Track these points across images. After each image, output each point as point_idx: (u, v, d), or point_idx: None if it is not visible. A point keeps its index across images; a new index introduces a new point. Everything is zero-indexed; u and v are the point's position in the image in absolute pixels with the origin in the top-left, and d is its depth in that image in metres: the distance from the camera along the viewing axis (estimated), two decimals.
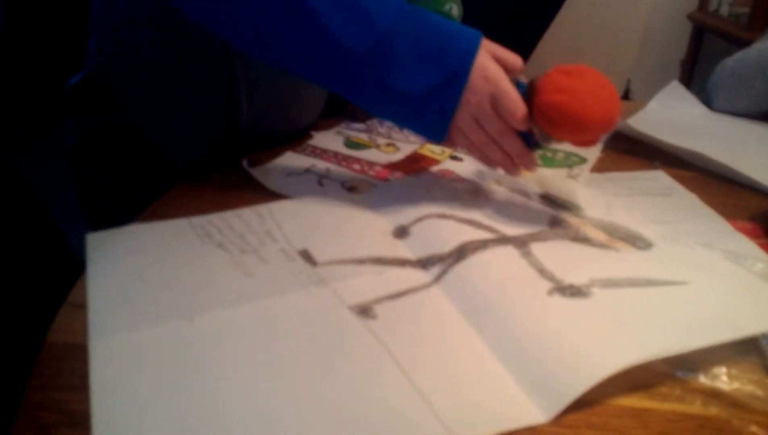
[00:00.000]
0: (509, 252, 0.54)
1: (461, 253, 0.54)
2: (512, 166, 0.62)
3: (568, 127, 0.56)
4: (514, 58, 0.60)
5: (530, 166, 0.62)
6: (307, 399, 0.39)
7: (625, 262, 0.54)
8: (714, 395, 0.42)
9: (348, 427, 0.38)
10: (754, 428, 0.40)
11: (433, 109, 0.58)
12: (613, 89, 0.57)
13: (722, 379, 0.43)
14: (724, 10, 2.27)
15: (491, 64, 0.58)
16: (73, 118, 0.78)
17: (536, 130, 0.59)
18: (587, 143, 0.59)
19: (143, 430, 0.36)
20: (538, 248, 0.55)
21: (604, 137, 0.88)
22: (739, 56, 1.05)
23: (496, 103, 0.58)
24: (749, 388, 0.43)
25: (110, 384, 0.39)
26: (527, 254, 0.54)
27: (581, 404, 0.39)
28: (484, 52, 0.58)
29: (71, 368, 0.41)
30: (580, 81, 0.56)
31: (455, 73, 0.57)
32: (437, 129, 0.60)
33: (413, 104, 0.58)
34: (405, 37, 0.56)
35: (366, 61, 0.56)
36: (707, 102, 1.08)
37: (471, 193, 0.66)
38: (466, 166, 0.78)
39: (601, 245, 0.57)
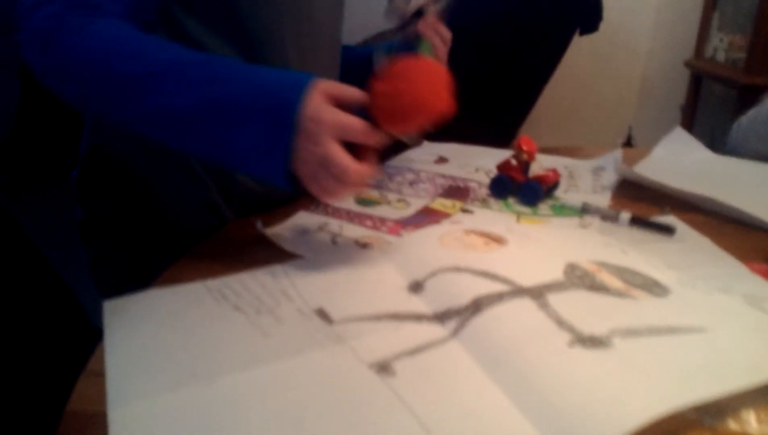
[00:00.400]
0: (526, 304, 0.54)
1: (477, 306, 0.54)
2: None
3: (410, 120, 0.60)
4: (351, 93, 0.60)
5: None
6: None
7: (643, 310, 0.54)
8: None
9: None
10: None
11: (266, 161, 0.58)
12: (429, 68, 0.61)
13: (752, 424, 0.42)
14: (721, 56, 2.31)
15: (324, 107, 0.57)
16: (81, 199, 0.80)
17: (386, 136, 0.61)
18: (440, 119, 0.61)
19: None
20: (554, 299, 0.55)
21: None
22: (752, 114, 1.06)
23: (342, 137, 0.58)
24: None
25: None
26: (544, 306, 0.54)
27: None
28: (315, 94, 0.57)
29: None
30: (398, 80, 0.60)
31: (282, 122, 0.57)
32: (278, 175, 0.59)
33: (251, 160, 0.59)
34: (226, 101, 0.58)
35: (200, 123, 0.59)
36: (732, 149, 1.09)
37: (484, 245, 0.66)
38: (477, 218, 0.79)
39: (618, 294, 0.56)
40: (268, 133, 0.57)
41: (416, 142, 0.61)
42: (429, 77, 0.61)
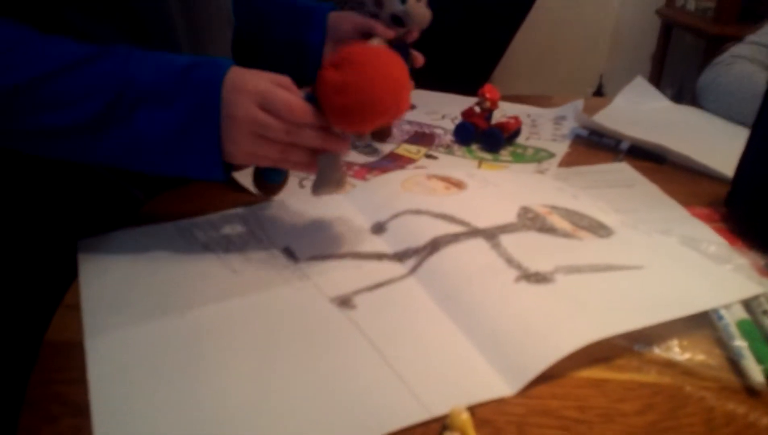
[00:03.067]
0: (479, 244, 0.58)
1: (435, 246, 0.58)
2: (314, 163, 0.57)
3: (366, 122, 0.54)
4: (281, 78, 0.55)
5: (343, 148, 0.57)
6: (292, 385, 0.43)
7: (587, 249, 0.58)
8: (668, 365, 0.46)
9: (332, 410, 0.41)
10: (704, 393, 0.44)
11: (196, 148, 0.53)
12: (388, 60, 0.54)
13: (675, 350, 0.47)
14: (691, 5, 2.33)
15: (242, 75, 0.53)
16: None
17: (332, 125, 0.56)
18: (397, 115, 0.56)
19: (140, 416, 0.39)
20: (506, 240, 0.59)
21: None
22: (711, 74, 1.09)
23: (266, 107, 0.53)
24: (700, 357, 0.47)
25: (107, 376, 0.42)
26: (496, 246, 0.58)
27: (546, 377, 0.43)
28: (236, 71, 0.53)
29: (70, 364, 0.43)
30: (353, 73, 0.52)
31: (202, 103, 0.52)
32: (210, 166, 0.54)
33: (170, 150, 0.53)
34: (139, 91, 0.52)
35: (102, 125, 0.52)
36: (697, 103, 1.11)
37: (444, 189, 0.70)
38: (441, 163, 0.82)
39: (565, 235, 0.60)
40: (191, 116, 0.52)
41: (364, 142, 0.57)
42: (386, 71, 0.53)
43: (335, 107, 0.52)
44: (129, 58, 0.53)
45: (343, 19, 0.81)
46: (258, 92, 0.52)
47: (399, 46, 0.76)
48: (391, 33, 0.76)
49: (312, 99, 0.54)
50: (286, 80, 0.55)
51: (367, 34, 0.78)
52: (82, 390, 0.41)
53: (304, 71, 0.82)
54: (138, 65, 0.52)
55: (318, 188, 0.59)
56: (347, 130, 0.56)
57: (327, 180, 0.58)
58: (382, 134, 0.86)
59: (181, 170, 0.55)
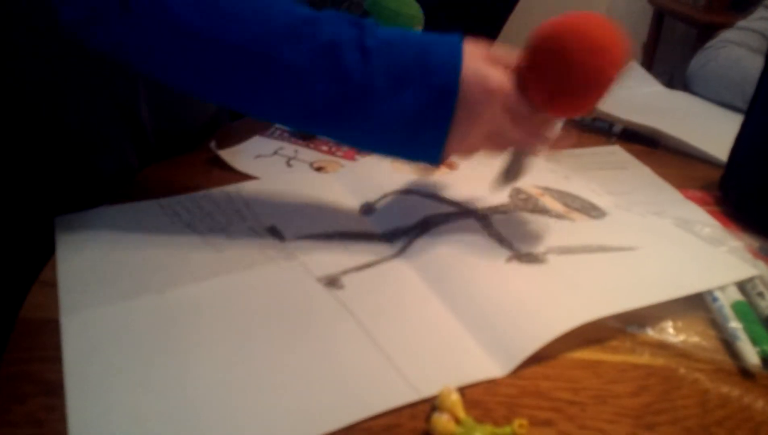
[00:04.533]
0: (470, 224, 0.57)
1: (425, 226, 0.56)
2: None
3: (592, 96, 0.49)
4: (508, 55, 0.51)
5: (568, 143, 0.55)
6: (277, 365, 0.41)
7: (579, 230, 0.57)
8: (662, 347, 0.45)
9: (319, 391, 0.39)
10: (698, 375, 0.43)
11: (425, 135, 0.50)
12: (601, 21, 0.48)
13: (669, 332, 0.46)
14: None
15: (489, 70, 0.49)
16: None
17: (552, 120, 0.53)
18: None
19: (115, 396, 0.38)
20: (498, 220, 0.57)
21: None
22: (711, 55, 1.08)
23: (509, 111, 0.50)
24: (695, 339, 0.46)
25: (83, 355, 0.41)
26: (488, 226, 0.56)
27: (537, 358, 0.42)
28: (474, 56, 0.49)
29: (45, 342, 0.42)
30: (574, 42, 0.47)
31: (442, 88, 0.48)
32: (431, 154, 0.51)
33: (400, 135, 0.50)
34: (378, 66, 0.48)
35: (343, 103, 0.49)
36: (689, 89, 1.11)
37: (435, 170, 0.68)
38: None
39: (558, 216, 0.59)
40: (426, 100, 0.48)
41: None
42: (606, 38, 0.48)
43: (553, 87, 0.48)
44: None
45: None
46: (504, 93, 0.49)
47: None
48: None
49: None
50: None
51: None
52: (56, 369, 0.39)
53: None
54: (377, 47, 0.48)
55: (506, 180, 0.56)
56: (562, 112, 0.53)
57: (517, 171, 0.56)
58: None
59: (403, 155, 0.53)
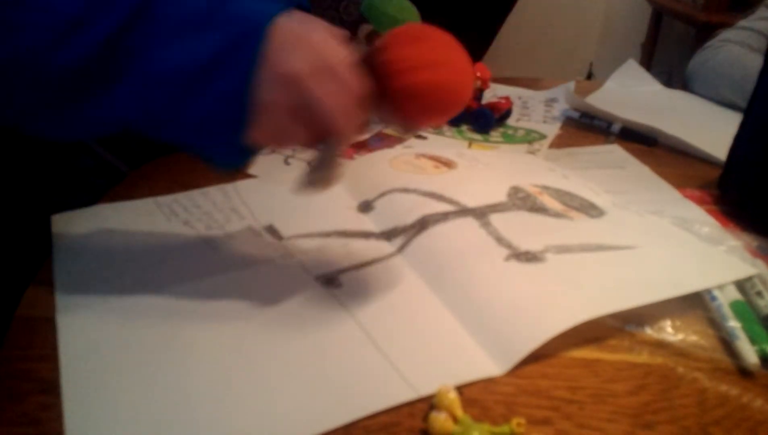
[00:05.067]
0: (469, 223, 0.56)
1: (423, 224, 0.56)
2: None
3: (447, 108, 0.45)
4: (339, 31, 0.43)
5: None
6: (275, 364, 0.41)
7: (578, 229, 0.57)
8: (660, 346, 0.45)
9: (316, 389, 0.39)
10: (697, 374, 0.43)
11: (215, 90, 0.40)
12: (459, 46, 0.45)
13: (668, 330, 0.46)
14: None
15: (298, 23, 0.41)
16: None
17: (389, 116, 0.46)
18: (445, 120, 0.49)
19: (111, 395, 0.38)
20: (496, 219, 0.57)
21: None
22: (711, 53, 1.08)
23: (325, 71, 0.40)
24: (693, 338, 0.46)
25: (79, 353, 0.40)
26: (486, 224, 0.56)
27: (536, 357, 0.42)
28: (300, 17, 0.42)
29: (41, 340, 0.41)
30: (435, 47, 0.45)
31: (244, 33, 0.39)
32: (229, 129, 0.41)
33: (181, 89, 0.40)
34: (163, 6, 0.39)
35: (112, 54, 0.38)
36: (688, 88, 1.11)
37: (434, 168, 0.68)
38: (430, 143, 0.80)
39: (556, 214, 0.59)
40: (224, 44, 0.39)
41: (412, 131, 0.46)
42: (456, 56, 0.45)
43: (415, 87, 0.43)
44: None
45: None
46: (322, 48, 0.41)
47: None
48: None
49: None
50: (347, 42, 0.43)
51: None
52: (52, 367, 0.39)
53: None
54: None
55: (312, 183, 0.46)
56: (417, 118, 0.46)
57: (326, 176, 0.46)
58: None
59: (186, 127, 0.42)
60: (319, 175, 0.45)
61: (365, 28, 0.72)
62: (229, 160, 0.45)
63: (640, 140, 0.83)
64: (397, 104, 0.44)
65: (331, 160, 0.45)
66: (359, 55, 0.43)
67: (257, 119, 0.41)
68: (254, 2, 0.41)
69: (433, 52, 0.44)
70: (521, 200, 0.61)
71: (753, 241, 0.57)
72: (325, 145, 0.44)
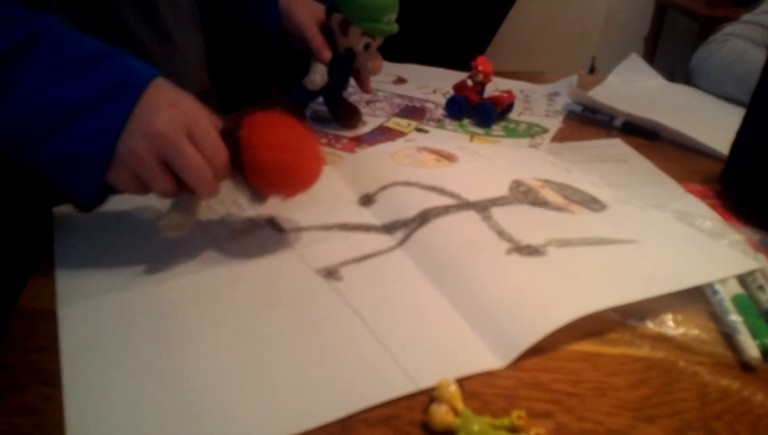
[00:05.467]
0: (470, 216, 0.56)
1: (424, 218, 0.56)
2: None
3: (288, 185, 0.51)
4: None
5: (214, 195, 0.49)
6: (275, 356, 0.41)
7: (580, 223, 0.56)
8: (662, 340, 0.45)
9: (317, 382, 0.39)
10: (698, 368, 0.42)
11: (87, 127, 0.44)
12: (314, 140, 0.52)
13: (669, 324, 0.46)
14: None
15: (173, 89, 0.47)
16: None
17: (241, 184, 0.51)
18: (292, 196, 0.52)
19: (112, 386, 0.38)
20: (498, 212, 0.57)
21: None
22: (715, 48, 1.07)
23: (193, 137, 0.46)
24: (694, 332, 0.45)
25: (80, 345, 0.41)
26: (487, 218, 0.56)
27: (537, 350, 0.42)
28: (165, 82, 0.48)
29: (42, 332, 0.42)
30: (289, 134, 0.50)
31: (126, 82, 0.45)
32: (91, 165, 0.45)
33: (51, 122, 0.43)
34: (52, 46, 0.44)
35: None
36: (691, 82, 1.10)
37: (435, 162, 0.68)
38: (432, 137, 0.80)
39: (558, 208, 0.59)
40: (104, 87, 0.44)
41: (261, 202, 0.52)
42: (310, 144, 0.51)
43: (268, 162, 0.48)
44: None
45: (297, 7, 0.77)
46: (192, 115, 0.46)
47: (342, 66, 0.77)
48: (328, 55, 0.73)
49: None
50: (211, 116, 0.49)
51: (323, 23, 0.75)
52: (54, 359, 0.39)
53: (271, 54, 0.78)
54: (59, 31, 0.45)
55: (168, 229, 0.48)
56: (265, 189, 0.51)
57: (186, 223, 0.49)
58: (353, 119, 0.82)
59: (54, 159, 0.45)
60: (175, 221, 0.48)
61: (337, 17, 0.71)
62: (86, 196, 0.47)
63: (643, 134, 0.83)
64: (246, 174, 0.49)
65: (187, 209, 0.49)
66: (222, 127, 0.49)
67: (118, 164, 0.45)
68: (137, 61, 0.47)
69: (281, 137, 0.50)
70: (523, 194, 0.61)
71: (755, 235, 0.57)
72: (183, 196, 0.49)
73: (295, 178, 0.50)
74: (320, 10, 0.76)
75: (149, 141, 0.44)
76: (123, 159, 0.45)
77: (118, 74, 0.45)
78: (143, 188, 0.47)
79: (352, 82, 0.82)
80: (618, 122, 0.86)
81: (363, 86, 0.81)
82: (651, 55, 2.48)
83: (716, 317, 0.47)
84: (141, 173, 0.46)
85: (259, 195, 0.52)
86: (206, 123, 0.47)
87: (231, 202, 0.59)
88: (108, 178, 0.46)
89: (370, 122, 0.84)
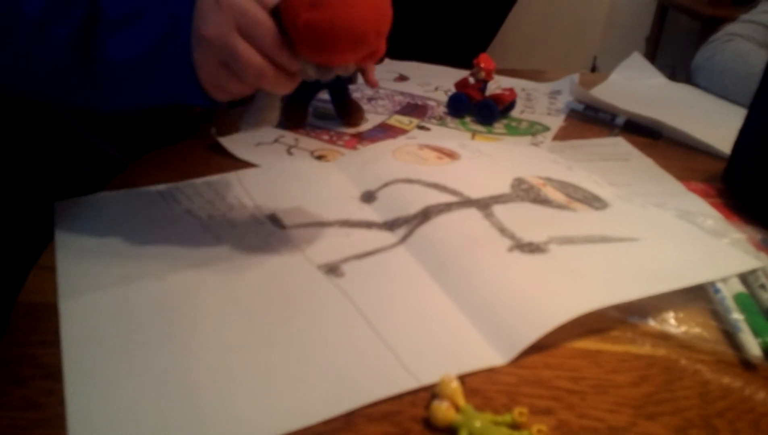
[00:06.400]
0: (472, 214, 0.56)
1: (426, 215, 0.56)
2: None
3: (342, 45, 0.44)
4: None
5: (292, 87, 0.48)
6: (277, 352, 0.41)
7: (582, 221, 0.56)
8: (663, 337, 0.45)
9: (318, 378, 0.39)
10: (700, 366, 0.42)
11: (168, 69, 0.47)
12: None
13: (671, 322, 0.46)
14: None
15: None
16: None
17: (308, 66, 0.47)
18: (373, 53, 0.48)
19: (113, 380, 0.38)
20: (499, 210, 0.57)
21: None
22: (718, 48, 1.07)
23: (244, 31, 0.44)
24: (696, 330, 0.45)
25: (81, 339, 0.40)
26: (489, 215, 0.56)
27: (539, 348, 0.42)
28: None
29: (44, 326, 0.42)
30: None
31: (173, 16, 0.46)
32: (187, 88, 0.47)
33: (139, 74, 0.47)
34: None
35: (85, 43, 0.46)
36: (692, 82, 1.10)
37: (437, 159, 0.68)
38: (433, 135, 0.80)
39: (560, 206, 0.59)
40: (160, 31, 0.46)
41: (328, 78, 0.47)
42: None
43: (307, 25, 0.43)
44: None
45: None
46: (238, 7, 0.43)
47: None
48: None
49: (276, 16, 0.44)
50: None
51: None
52: (55, 352, 0.39)
53: None
54: None
55: (249, 124, 0.51)
56: (315, 57, 0.45)
57: (263, 118, 0.50)
58: (355, 117, 0.82)
59: (157, 96, 0.49)
60: (256, 117, 0.50)
61: None
62: (199, 101, 0.49)
63: (645, 133, 0.83)
64: (296, 46, 0.45)
65: (266, 103, 0.50)
66: (274, 4, 0.45)
67: (199, 74, 0.46)
68: None
69: None
70: (524, 191, 0.61)
71: (757, 233, 0.57)
72: (260, 92, 0.49)
73: (345, 33, 0.44)
74: None
75: (204, 48, 0.45)
76: (198, 69, 0.46)
77: (165, 6, 0.46)
78: (226, 91, 0.47)
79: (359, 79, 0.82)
80: (620, 121, 0.86)
81: (368, 78, 0.80)
82: (652, 55, 2.49)
83: (718, 315, 0.47)
84: (215, 78, 0.46)
85: (322, 68, 0.47)
86: (254, 10, 0.44)
87: (233, 198, 0.59)
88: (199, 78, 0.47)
89: (372, 119, 0.84)
